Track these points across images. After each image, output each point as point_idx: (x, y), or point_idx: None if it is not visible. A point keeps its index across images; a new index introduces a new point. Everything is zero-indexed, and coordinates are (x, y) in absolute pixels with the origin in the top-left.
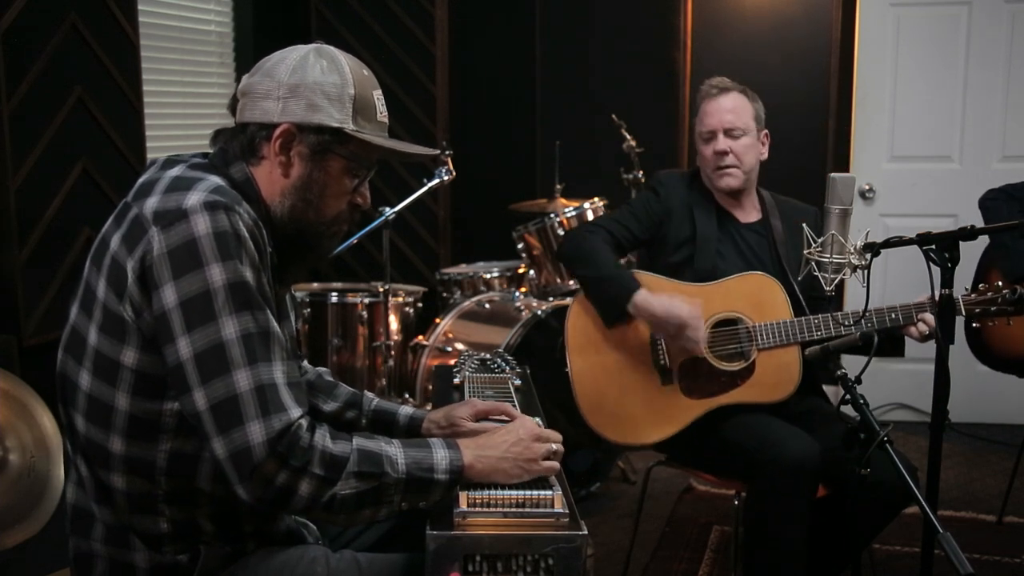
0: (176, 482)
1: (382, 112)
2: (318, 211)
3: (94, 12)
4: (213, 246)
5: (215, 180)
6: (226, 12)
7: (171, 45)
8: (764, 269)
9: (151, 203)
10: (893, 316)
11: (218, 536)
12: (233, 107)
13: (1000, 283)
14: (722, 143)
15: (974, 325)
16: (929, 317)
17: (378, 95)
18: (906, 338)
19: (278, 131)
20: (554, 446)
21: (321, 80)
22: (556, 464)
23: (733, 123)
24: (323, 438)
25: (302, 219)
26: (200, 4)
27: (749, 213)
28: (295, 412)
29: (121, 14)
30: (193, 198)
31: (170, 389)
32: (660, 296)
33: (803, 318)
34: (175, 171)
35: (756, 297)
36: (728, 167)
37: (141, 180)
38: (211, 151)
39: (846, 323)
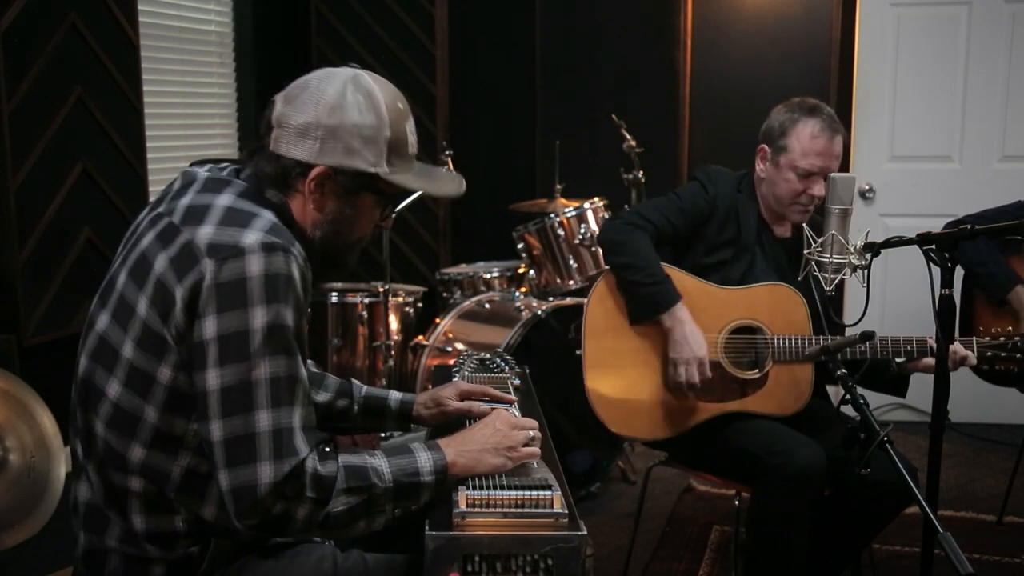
0: (184, 498)
1: (413, 144)
2: (346, 239)
3: (94, 12)
4: (262, 288)
5: (269, 217)
6: (226, 12)
7: (171, 45)
8: (789, 283)
9: (205, 233)
10: (909, 348)
11: (228, 535)
12: (265, 130)
13: (1011, 328)
14: (818, 189)
15: (984, 368)
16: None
17: (410, 127)
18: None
19: (314, 172)
20: (532, 433)
21: (359, 122)
22: (536, 449)
23: (833, 169)
24: (313, 462)
25: (331, 246)
26: (200, 4)
27: (785, 229)
28: (303, 453)
29: (121, 14)
30: (251, 237)
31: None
32: (694, 327)
33: (822, 337)
34: (226, 199)
35: (778, 309)
36: (809, 207)
37: (188, 202)
38: (242, 166)
39: (862, 346)
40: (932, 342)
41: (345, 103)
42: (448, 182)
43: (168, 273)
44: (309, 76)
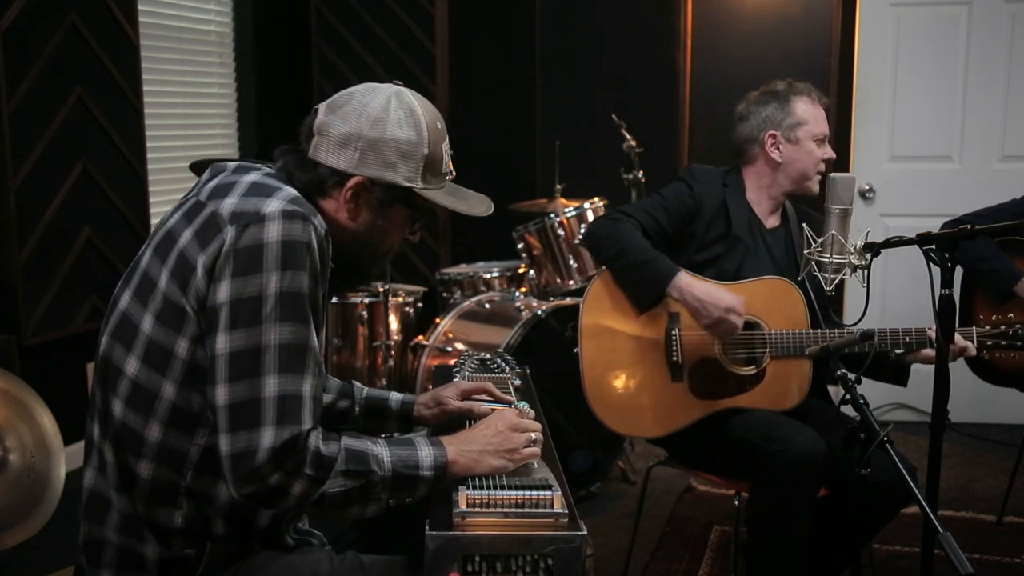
0: (201, 478)
1: (448, 164)
2: (375, 250)
3: (94, 12)
4: (278, 253)
5: (292, 190)
6: (226, 12)
7: (171, 45)
8: (785, 276)
9: (229, 203)
10: (908, 340)
11: (227, 536)
12: (306, 136)
13: (1012, 315)
14: (830, 151)
15: (984, 356)
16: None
17: (446, 146)
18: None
19: (351, 182)
20: (533, 435)
21: (398, 137)
22: (537, 450)
23: None
24: (316, 440)
25: (360, 255)
26: (200, 4)
27: (773, 219)
28: (307, 425)
29: (121, 14)
30: (273, 205)
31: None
32: (702, 282)
33: (820, 331)
34: (252, 177)
35: (776, 303)
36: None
37: (215, 183)
38: (274, 165)
39: (861, 340)
40: (931, 332)
41: (388, 117)
42: (478, 203)
43: (191, 244)
44: (354, 89)
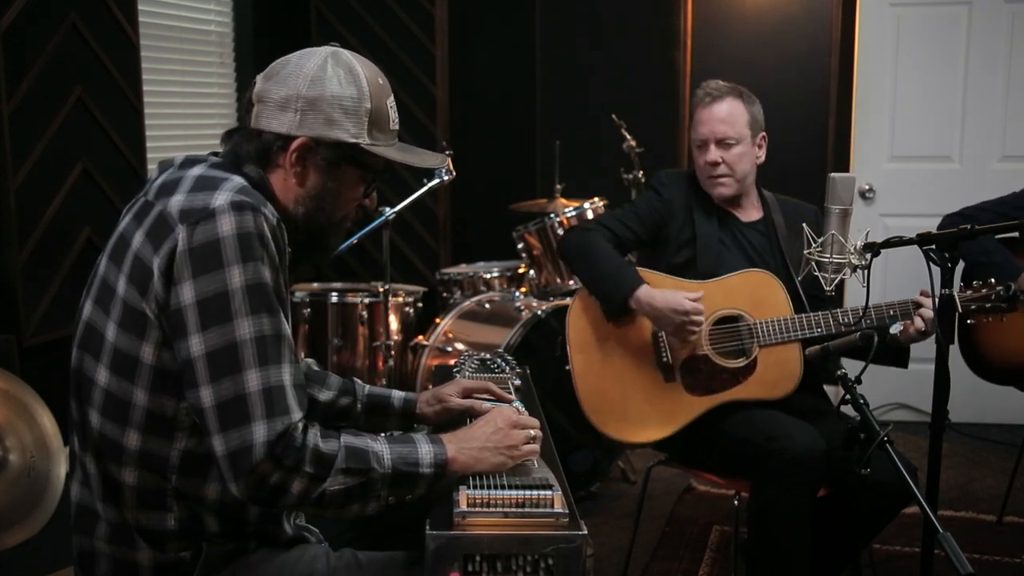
0: (186, 481)
1: (394, 120)
2: (330, 215)
3: (94, 12)
4: (236, 247)
5: (239, 180)
6: (226, 12)
7: (171, 45)
8: (768, 268)
9: (176, 201)
10: (892, 313)
11: (222, 535)
12: (246, 108)
13: (993, 280)
14: (713, 154)
15: (969, 322)
16: (926, 312)
17: (391, 103)
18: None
19: (295, 144)
20: (532, 432)
21: (339, 94)
22: (536, 447)
23: (726, 133)
24: (315, 437)
25: (314, 223)
26: (200, 4)
27: (750, 212)
28: (296, 415)
29: (121, 14)
30: (221, 198)
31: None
32: (662, 291)
33: (803, 315)
34: (197, 170)
35: (757, 294)
36: (720, 176)
37: (162, 179)
38: (221, 151)
39: (846, 321)
40: (917, 298)
41: (325, 75)
42: (430, 157)
43: (144, 247)
44: (290, 55)
